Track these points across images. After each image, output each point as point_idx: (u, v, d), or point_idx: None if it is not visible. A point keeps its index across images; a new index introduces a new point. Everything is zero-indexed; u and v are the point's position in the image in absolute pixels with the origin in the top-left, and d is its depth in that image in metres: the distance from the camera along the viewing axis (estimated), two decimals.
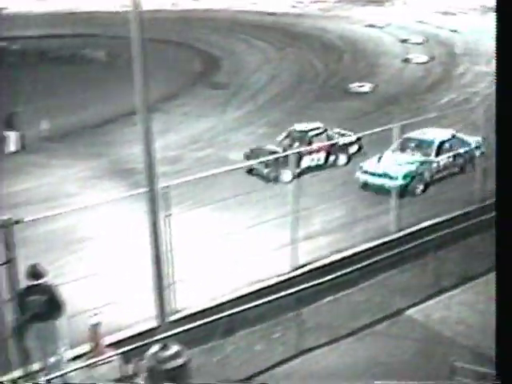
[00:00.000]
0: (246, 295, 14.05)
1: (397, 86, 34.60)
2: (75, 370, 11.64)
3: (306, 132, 23.46)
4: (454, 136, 21.67)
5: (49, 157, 25.42)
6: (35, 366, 11.47)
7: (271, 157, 20.40)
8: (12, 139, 26.19)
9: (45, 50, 44.01)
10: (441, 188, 20.45)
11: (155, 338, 11.75)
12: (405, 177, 20.30)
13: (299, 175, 21.10)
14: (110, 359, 11.96)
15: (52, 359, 11.53)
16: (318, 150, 22.61)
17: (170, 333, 11.78)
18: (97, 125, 29.20)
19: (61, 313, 11.34)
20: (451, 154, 21.19)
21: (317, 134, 23.52)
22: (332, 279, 14.22)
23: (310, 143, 22.91)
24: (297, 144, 23.07)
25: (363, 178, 20.98)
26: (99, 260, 16.50)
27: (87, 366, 11.83)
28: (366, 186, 20.89)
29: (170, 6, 58.83)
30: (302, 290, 13.69)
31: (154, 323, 12.32)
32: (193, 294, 14.06)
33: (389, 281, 15.11)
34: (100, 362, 11.84)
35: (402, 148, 21.57)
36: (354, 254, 15.65)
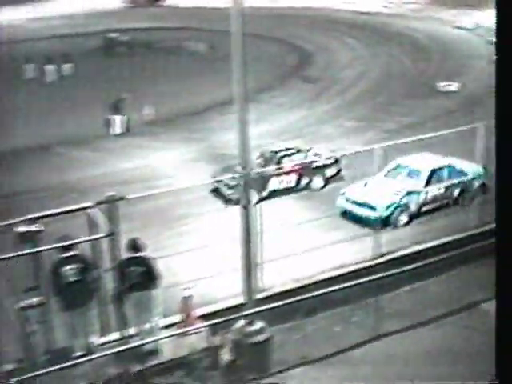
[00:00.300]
0: (328, 279, 14.05)
1: (483, 86, 33.66)
2: (166, 337, 11.91)
3: (276, 152, 21.03)
4: (449, 165, 18.74)
5: (151, 140, 25.90)
6: (131, 331, 11.76)
7: (228, 176, 18.24)
8: (118, 122, 26.77)
9: (151, 41, 44.69)
10: (428, 221, 17.85)
11: (242, 313, 11.90)
12: (387, 207, 17.76)
13: (266, 198, 19.56)
14: (198, 330, 12.15)
15: (146, 326, 11.80)
16: (288, 172, 20.11)
17: (255, 310, 11.91)
18: (196, 112, 29.54)
19: (157, 284, 11.58)
20: (443, 184, 18.45)
21: (287, 155, 20.95)
22: (411, 269, 14.06)
23: (279, 164, 20.34)
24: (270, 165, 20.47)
25: (343, 205, 18.43)
26: (194, 237, 16.79)
27: (178, 334, 12.07)
28: (345, 214, 18.35)
29: (269, 3, 58.84)
30: (383, 277, 13.58)
31: (240, 300, 12.46)
32: (278, 275, 14.16)
33: (466, 274, 14.84)
34: (189, 332, 12.06)
35: (393, 174, 18.90)
36: (433, 247, 15.45)
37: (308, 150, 21.45)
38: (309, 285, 13.85)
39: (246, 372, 12.07)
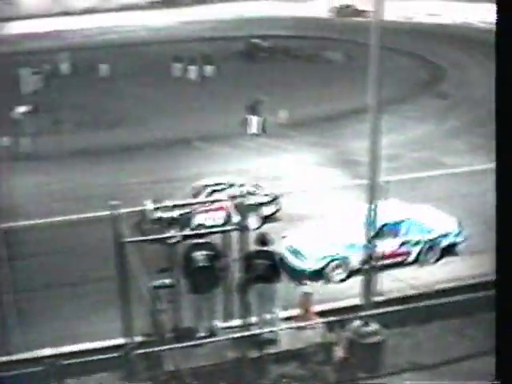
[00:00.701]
0: (445, 290, 13.74)
1: None
2: (285, 329, 12.01)
3: (206, 186, 18.62)
4: (408, 218, 15.90)
5: (284, 142, 26.05)
6: (252, 320, 11.92)
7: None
8: (254, 123, 27.13)
9: (290, 48, 44.96)
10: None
11: (358, 314, 11.83)
12: (319, 259, 15.21)
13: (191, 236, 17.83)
14: (315, 325, 12.19)
15: (267, 316, 11.92)
16: (216, 208, 17.94)
17: (371, 312, 11.81)
18: (329, 118, 29.48)
19: (280, 278, 11.69)
20: (397, 240, 15.67)
21: (217, 190, 18.42)
22: None
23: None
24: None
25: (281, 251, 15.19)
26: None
27: (295, 327, 12.16)
28: (281, 262, 14.27)
29: (405, 19, 57.90)
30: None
31: (358, 301, 12.39)
32: (397, 281, 13.99)
33: None
34: (307, 326, 12.12)
35: (349, 221, 15.68)
36: None
37: (242, 185, 18.57)
38: (426, 293, 13.59)
39: (357, 371, 12.00)
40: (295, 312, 12.63)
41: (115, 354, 11.26)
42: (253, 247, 11.66)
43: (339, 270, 15.35)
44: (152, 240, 12.36)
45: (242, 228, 11.52)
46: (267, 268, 11.52)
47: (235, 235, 11.74)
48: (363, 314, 11.83)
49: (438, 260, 16.07)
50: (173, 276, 11.78)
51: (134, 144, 26.13)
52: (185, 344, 11.45)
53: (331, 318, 11.94)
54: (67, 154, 25.31)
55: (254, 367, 11.60)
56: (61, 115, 29.60)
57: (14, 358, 12.58)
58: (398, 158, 23.03)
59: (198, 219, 17.96)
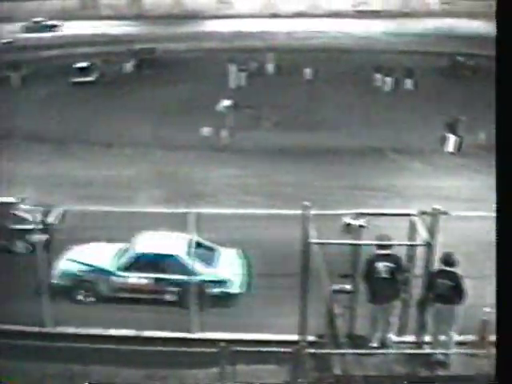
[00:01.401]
0: None
1: None
2: (458, 353, 11.71)
3: None
4: (172, 255, 14.28)
5: (479, 164, 25.06)
6: (426, 338, 11.74)
7: None
8: (451, 141, 26.54)
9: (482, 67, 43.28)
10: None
11: None
12: (62, 275, 14.65)
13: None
14: (489, 355, 11.77)
15: (442, 337, 11.69)
16: None
17: None
18: None
19: (461, 301, 11.41)
20: (147, 275, 14.35)
21: None
22: None
23: None
24: None
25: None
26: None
27: (469, 354, 11.81)
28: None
29: None
30: None
31: None
32: None
33: None
34: (480, 355, 11.73)
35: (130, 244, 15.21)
36: None
37: (17, 204, 17.88)
38: None
39: None
40: (471, 338, 12.26)
41: (287, 349, 11.51)
42: (437, 266, 11.47)
43: (88, 293, 14.70)
44: None
45: (429, 245, 11.36)
46: (449, 289, 11.30)
47: (420, 251, 11.61)
48: None
49: (204, 307, 13.82)
50: (353, 282, 11.89)
51: (328, 148, 26.46)
52: (356, 351, 11.52)
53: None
54: (263, 150, 26.17)
55: None
56: (261, 112, 30.61)
57: (192, 336, 13.32)
58: None
59: None
